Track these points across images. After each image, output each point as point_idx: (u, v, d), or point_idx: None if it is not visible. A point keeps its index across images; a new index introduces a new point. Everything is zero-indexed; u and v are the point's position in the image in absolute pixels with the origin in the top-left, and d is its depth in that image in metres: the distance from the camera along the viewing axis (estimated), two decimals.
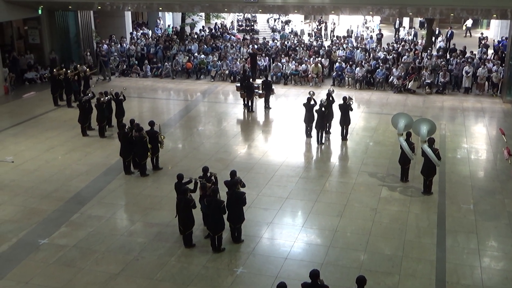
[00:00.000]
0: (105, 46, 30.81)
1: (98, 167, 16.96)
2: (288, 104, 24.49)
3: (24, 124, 21.37)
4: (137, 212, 13.97)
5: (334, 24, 42.80)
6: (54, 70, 24.29)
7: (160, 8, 32.78)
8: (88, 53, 29.66)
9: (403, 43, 32.53)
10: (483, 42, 32.38)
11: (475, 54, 28.61)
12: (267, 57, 30.06)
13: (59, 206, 14.26)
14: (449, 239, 12.55)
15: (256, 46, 31.48)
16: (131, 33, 35.33)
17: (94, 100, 19.87)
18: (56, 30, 29.17)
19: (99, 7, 28.66)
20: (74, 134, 19.97)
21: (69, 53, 29.54)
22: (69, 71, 24.34)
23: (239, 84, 24.29)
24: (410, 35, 37.62)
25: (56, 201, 14.56)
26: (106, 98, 19.73)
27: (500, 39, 33.16)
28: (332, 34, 41.07)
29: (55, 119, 22.03)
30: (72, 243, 12.43)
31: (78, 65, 26.25)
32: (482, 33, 37.02)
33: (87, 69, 25.61)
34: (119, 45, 31.61)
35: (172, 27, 38.91)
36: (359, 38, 36.25)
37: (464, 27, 43.07)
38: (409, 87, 26.10)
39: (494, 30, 40.14)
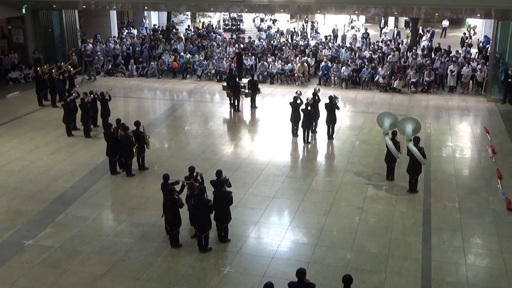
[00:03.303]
0: (90, 45, 30.60)
1: (83, 167, 16.84)
2: (274, 103, 24.51)
3: (8, 124, 21.16)
4: (123, 212, 13.90)
5: (317, 23, 42.89)
6: (39, 69, 24.11)
7: (146, 7, 32.65)
8: (73, 53, 29.44)
9: (387, 42, 32.70)
10: (466, 42, 32.67)
11: (460, 53, 28.86)
12: (253, 57, 30.06)
13: (44, 207, 14.14)
14: (434, 237, 12.65)
15: (242, 46, 31.46)
16: (119, 33, 35.16)
17: (79, 100, 19.73)
18: (40, 29, 28.93)
19: (84, 6, 28.48)
20: (59, 134, 19.81)
21: (53, 52, 29.31)
22: (53, 70, 24.16)
23: (225, 84, 24.26)
24: (387, 35, 37.62)
25: (41, 201, 14.44)
26: (90, 97, 19.62)
27: (484, 39, 33.50)
28: (316, 33, 41.17)
29: (39, 119, 21.84)
30: (57, 244, 12.34)
31: (63, 63, 26.05)
32: (464, 33, 37.33)
33: (71, 68, 25.44)
34: (104, 44, 31.42)
35: (157, 26, 38.76)
36: (347, 38, 36.37)
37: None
38: (394, 86, 26.25)
39: (478, 30, 40.49)
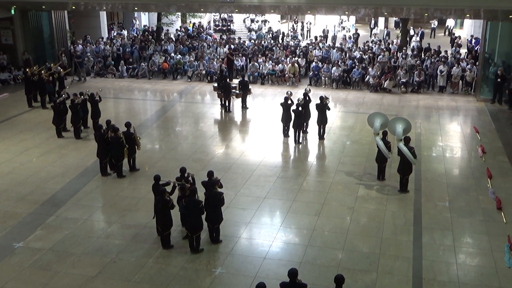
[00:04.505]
0: (80, 46, 30.47)
1: (74, 168, 16.76)
2: (265, 104, 24.52)
3: None
4: (114, 214, 13.84)
5: (310, 23, 42.99)
6: (28, 70, 23.97)
7: (136, 8, 32.53)
8: (63, 53, 29.30)
9: (378, 42, 32.82)
10: (456, 42, 32.85)
11: (451, 54, 29.01)
12: (243, 57, 30.05)
13: (35, 209, 14.05)
14: (425, 236, 12.70)
15: (232, 46, 31.44)
16: (108, 34, 35.01)
17: (68, 101, 19.64)
18: (29, 30, 28.75)
19: (73, 7, 28.33)
20: (49, 135, 19.71)
21: (43, 53, 29.14)
22: (42, 71, 24.03)
23: (216, 84, 24.24)
24: (377, 36, 37.77)
25: (31, 203, 14.35)
26: (80, 98, 19.53)
27: (469, 39, 33.72)
28: (308, 34, 41.24)
29: (29, 121, 21.71)
30: (48, 246, 12.27)
31: (52, 64, 25.92)
32: (454, 33, 37.55)
33: (61, 69, 25.31)
34: (94, 45, 31.30)
35: (147, 27, 38.67)
36: (337, 39, 36.45)
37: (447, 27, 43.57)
38: (385, 86, 26.35)
39: (467, 30, 40.75)
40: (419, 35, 36.05)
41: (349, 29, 43.59)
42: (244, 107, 23.49)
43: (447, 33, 42.21)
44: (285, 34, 37.72)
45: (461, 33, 39.69)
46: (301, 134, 19.20)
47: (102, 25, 34.73)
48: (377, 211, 13.92)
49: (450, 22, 42.35)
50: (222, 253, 12.02)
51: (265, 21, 41.00)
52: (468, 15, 26.49)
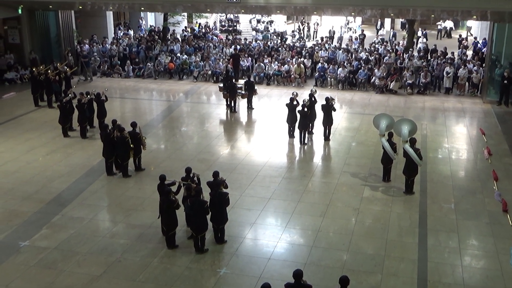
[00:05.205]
0: (86, 46, 30.56)
1: (79, 168, 16.81)
2: (271, 104, 24.51)
3: (4, 125, 21.10)
4: (120, 213, 13.88)
5: (317, 24, 42.95)
6: (34, 69, 24.05)
7: (142, 8, 32.61)
8: (69, 53, 29.39)
9: (385, 43, 32.76)
10: (463, 43, 32.76)
11: (457, 55, 28.91)
12: (249, 58, 30.06)
13: (40, 208, 14.10)
14: (430, 238, 12.67)
15: (238, 47, 31.44)
16: (115, 34, 35.12)
17: (75, 100, 19.69)
18: (36, 30, 28.89)
19: (80, 7, 28.43)
20: (55, 135, 19.77)
21: (49, 53, 29.25)
22: (49, 70, 24.11)
23: (222, 85, 24.26)
24: (383, 37, 37.74)
25: (37, 202, 14.40)
26: (87, 98, 19.58)
27: (474, 41, 33.61)
28: (315, 35, 41.19)
29: (35, 120, 21.79)
30: (53, 245, 12.31)
31: (59, 63, 26.00)
32: (460, 35, 37.46)
33: (67, 69, 25.40)
34: (100, 45, 31.39)
35: (153, 27, 38.74)
36: (343, 40, 36.45)
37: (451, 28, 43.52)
38: (391, 87, 26.29)
39: (474, 31, 40.60)
40: (422, 36, 35.98)
41: (355, 30, 43.51)
42: (249, 107, 23.50)
43: (443, 35, 42.06)
44: (285, 37, 37.60)
45: (464, 34, 39.58)
46: (306, 135, 19.18)
47: (109, 25, 34.82)
48: (382, 213, 13.90)
49: (448, 24, 42.13)
50: (227, 253, 12.02)
51: (271, 22, 41.02)
52: (475, 17, 26.40)
